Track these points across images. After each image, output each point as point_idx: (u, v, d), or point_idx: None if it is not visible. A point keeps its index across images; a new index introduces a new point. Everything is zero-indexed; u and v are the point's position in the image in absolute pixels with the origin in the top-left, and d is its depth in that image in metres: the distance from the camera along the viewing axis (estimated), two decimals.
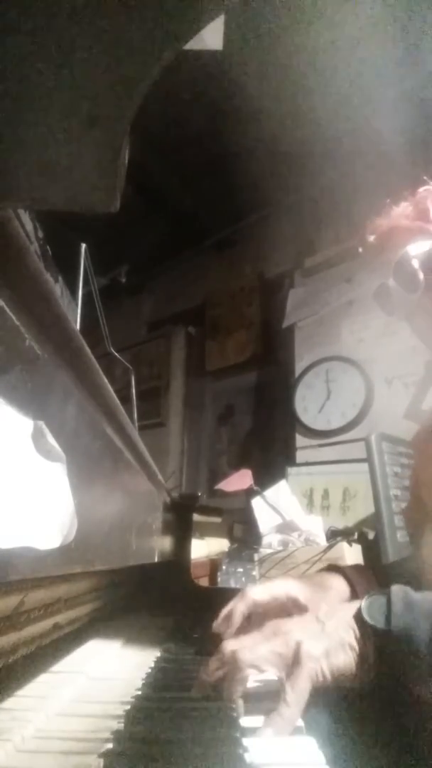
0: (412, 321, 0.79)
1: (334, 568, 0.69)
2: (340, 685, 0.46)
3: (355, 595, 0.64)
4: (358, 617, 0.47)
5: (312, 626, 0.48)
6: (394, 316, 0.79)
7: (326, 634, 0.47)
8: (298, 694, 0.43)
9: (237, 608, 0.57)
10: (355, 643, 0.46)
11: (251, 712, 0.45)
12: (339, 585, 0.65)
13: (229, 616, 0.57)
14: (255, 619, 0.58)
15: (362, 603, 0.48)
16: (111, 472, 0.51)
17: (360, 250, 0.87)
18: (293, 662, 0.44)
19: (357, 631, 0.47)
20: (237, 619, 0.57)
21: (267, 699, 0.46)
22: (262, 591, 0.59)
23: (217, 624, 0.58)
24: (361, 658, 0.46)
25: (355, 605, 0.49)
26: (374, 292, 0.79)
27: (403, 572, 0.69)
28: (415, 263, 0.72)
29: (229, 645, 0.49)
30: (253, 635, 0.50)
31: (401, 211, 0.77)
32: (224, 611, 0.58)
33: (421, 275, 0.72)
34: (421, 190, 0.76)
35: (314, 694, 0.44)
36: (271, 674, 0.46)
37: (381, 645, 0.45)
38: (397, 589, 0.48)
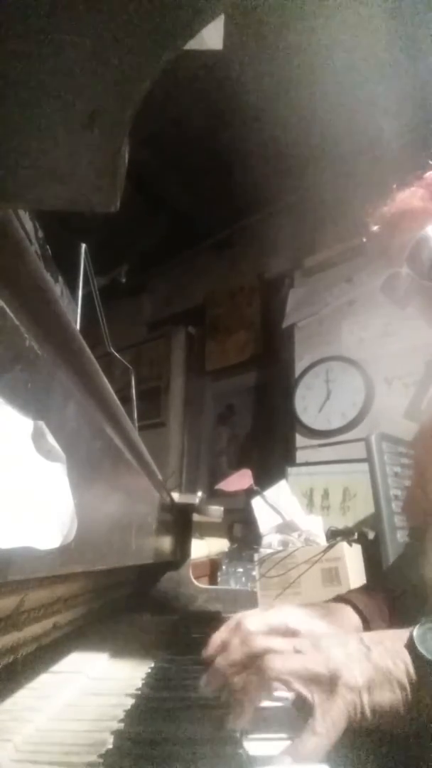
0: (427, 311, 0.73)
1: (341, 599, 0.63)
2: (380, 728, 0.39)
3: (368, 626, 0.57)
4: (411, 649, 0.40)
5: (356, 649, 0.41)
6: (407, 307, 0.73)
7: (371, 663, 0.39)
8: (329, 725, 0.36)
9: (231, 642, 0.48)
10: (405, 680, 0.39)
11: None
12: (348, 615, 0.59)
13: (221, 648, 0.48)
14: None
15: (414, 632, 0.40)
16: (111, 472, 0.51)
17: (364, 239, 0.81)
18: (329, 688, 0.38)
19: (409, 666, 0.39)
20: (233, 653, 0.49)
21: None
22: (259, 622, 0.50)
23: (207, 653, 0.50)
24: (412, 699, 0.38)
25: (404, 633, 0.41)
26: (383, 284, 0.73)
27: (409, 577, 0.65)
28: None
29: (261, 641, 0.42)
30: (284, 641, 0.43)
31: (410, 195, 0.71)
32: (215, 639, 0.50)
33: None
34: (429, 173, 0.70)
35: (347, 734, 0.37)
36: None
37: None
38: None
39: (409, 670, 0.39)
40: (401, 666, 0.39)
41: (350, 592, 0.67)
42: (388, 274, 0.72)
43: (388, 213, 0.73)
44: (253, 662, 0.41)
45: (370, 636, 0.43)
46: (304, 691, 0.38)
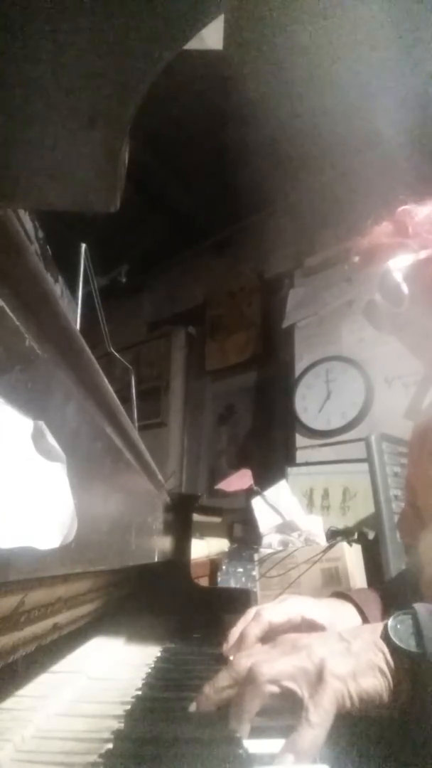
0: (400, 335, 0.80)
1: (341, 595, 0.65)
2: (367, 713, 0.41)
3: (366, 621, 0.60)
4: (386, 639, 0.43)
5: (336, 644, 0.44)
6: (384, 331, 0.80)
7: (353, 654, 0.42)
8: (322, 714, 0.38)
9: (250, 631, 0.53)
10: (385, 668, 0.41)
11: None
12: (349, 611, 0.62)
13: (241, 639, 0.52)
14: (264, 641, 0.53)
15: (388, 623, 0.44)
16: (111, 472, 0.51)
17: (346, 268, 0.91)
18: (316, 680, 0.40)
19: (387, 655, 0.42)
20: (251, 643, 0.52)
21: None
22: (278, 612, 0.54)
23: (228, 647, 0.54)
24: (393, 684, 0.41)
25: (379, 626, 0.45)
26: (363, 309, 0.80)
27: (405, 584, 0.67)
28: (398, 277, 0.73)
29: (244, 659, 0.43)
30: (267, 649, 0.45)
31: (381, 230, 0.78)
32: (235, 632, 0.53)
33: (404, 289, 0.73)
34: (399, 210, 0.77)
35: (337, 721, 0.39)
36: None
37: (415, 670, 0.40)
38: (422, 608, 0.43)
39: (387, 658, 0.42)
40: (380, 655, 0.42)
41: (353, 591, 0.68)
42: (366, 300, 0.79)
43: (364, 246, 0.80)
44: (242, 679, 0.42)
45: (348, 631, 0.46)
46: (294, 687, 0.40)
